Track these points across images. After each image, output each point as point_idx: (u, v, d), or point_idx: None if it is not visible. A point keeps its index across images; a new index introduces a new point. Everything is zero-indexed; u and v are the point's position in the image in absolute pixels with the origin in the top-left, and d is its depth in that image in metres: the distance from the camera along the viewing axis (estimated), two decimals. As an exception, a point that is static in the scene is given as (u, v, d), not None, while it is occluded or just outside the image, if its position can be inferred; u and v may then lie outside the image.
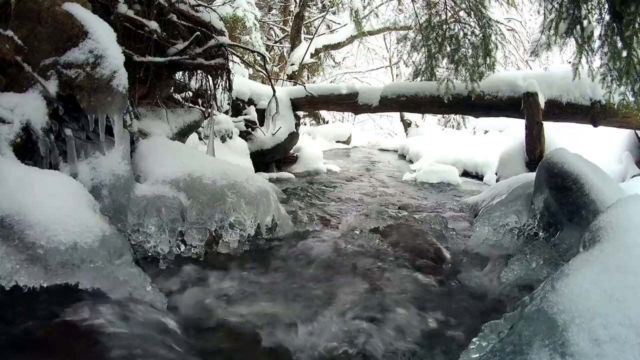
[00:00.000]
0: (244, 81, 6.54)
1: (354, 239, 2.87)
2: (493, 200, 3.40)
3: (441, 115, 15.71)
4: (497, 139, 8.40)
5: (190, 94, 4.34)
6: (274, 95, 4.12)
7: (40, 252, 1.71)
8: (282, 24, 14.89)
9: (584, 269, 1.33)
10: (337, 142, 12.21)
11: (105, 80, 2.24)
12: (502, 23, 4.67)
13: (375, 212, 3.57)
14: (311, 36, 11.50)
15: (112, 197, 2.27)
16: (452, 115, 15.43)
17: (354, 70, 18.25)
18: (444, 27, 4.58)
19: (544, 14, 3.50)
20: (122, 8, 2.81)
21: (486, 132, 10.58)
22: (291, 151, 6.86)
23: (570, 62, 3.40)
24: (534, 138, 4.89)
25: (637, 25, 2.62)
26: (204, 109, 3.78)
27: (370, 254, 2.64)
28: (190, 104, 4.04)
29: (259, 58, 7.85)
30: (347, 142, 12.62)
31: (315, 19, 13.24)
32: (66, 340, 1.53)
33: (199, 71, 3.46)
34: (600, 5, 2.96)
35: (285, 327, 1.83)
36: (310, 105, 7.00)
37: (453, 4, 4.60)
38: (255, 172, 4.58)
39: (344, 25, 12.31)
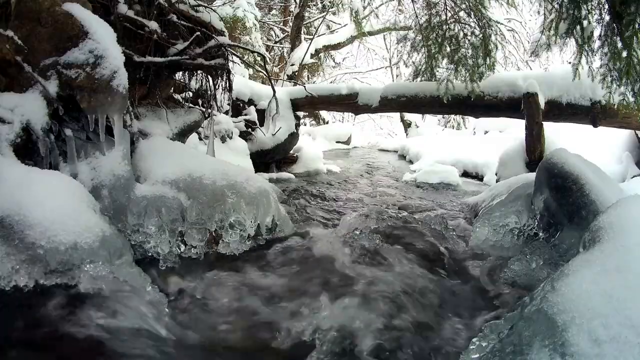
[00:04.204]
0: (244, 81, 6.54)
1: (354, 239, 2.86)
2: (493, 200, 3.39)
3: (441, 116, 15.74)
4: (497, 139, 8.40)
5: (190, 94, 4.34)
6: (274, 95, 4.12)
7: (40, 252, 1.71)
8: (282, 24, 14.90)
9: (584, 269, 1.33)
10: (337, 142, 12.22)
11: (106, 80, 2.24)
12: (502, 23, 4.67)
13: (375, 212, 3.57)
14: (311, 36, 11.51)
15: (112, 198, 2.27)
16: (452, 116, 15.45)
17: (354, 71, 18.26)
18: (444, 27, 4.58)
19: (544, 14, 3.50)
20: (122, 8, 2.81)
21: (486, 132, 10.60)
22: (291, 151, 6.86)
23: (570, 63, 3.40)
24: (534, 138, 4.89)
25: (637, 26, 2.63)
26: (204, 109, 3.77)
27: (370, 254, 2.63)
28: (190, 104, 4.04)
29: (259, 58, 7.86)
30: (347, 142, 12.62)
31: (315, 19, 13.25)
32: (66, 341, 1.53)
33: (199, 71, 3.45)
34: (600, 6, 2.96)
35: (285, 326, 1.83)
36: (310, 106, 7.00)
37: (453, 4, 4.60)
38: (255, 172, 4.58)
39: (344, 26, 12.31)
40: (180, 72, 3.55)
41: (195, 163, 2.67)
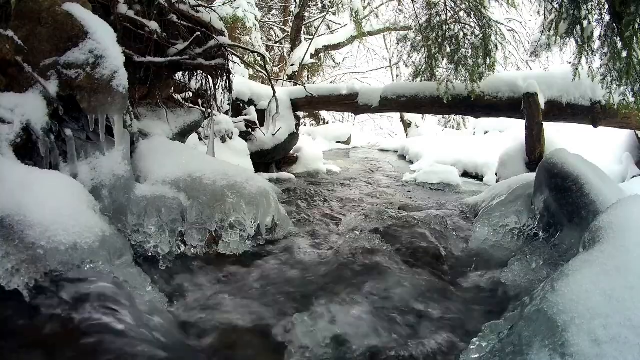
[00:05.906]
0: (244, 81, 6.54)
1: (354, 240, 2.87)
2: (493, 200, 3.39)
3: (441, 116, 15.74)
4: (497, 140, 8.40)
5: (190, 94, 4.33)
6: (274, 95, 4.12)
7: (40, 252, 1.71)
8: (282, 24, 14.90)
9: (584, 269, 1.33)
10: (337, 142, 12.23)
11: (106, 80, 2.24)
12: (502, 23, 4.67)
13: (375, 212, 3.57)
14: (311, 36, 11.50)
15: (112, 198, 2.27)
16: (452, 116, 15.44)
17: (354, 71, 18.26)
18: (444, 27, 4.58)
19: (544, 14, 3.51)
20: (122, 8, 2.81)
21: (486, 132, 10.60)
22: (291, 152, 6.86)
23: (570, 63, 3.40)
24: (534, 138, 4.89)
25: (637, 26, 2.62)
26: (204, 110, 3.77)
27: (370, 255, 2.63)
28: (191, 105, 4.04)
29: (259, 58, 7.86)
30: (347, 142, 12.63)
31: (315, 20, 13.25)
32: (65, 341, 1.53)
33: (199, 71, 3.45)
34: (600, 6, 2.96)
35: (285, 327, 1.83)
36: (310, 106, 7.00)
37: (453, 5, 4.60)
38: (255, 172, 4.58)
39: (344, 26, 12.31)
40: (180, 72, 3.54)
41: (195, 163, 2.67)
